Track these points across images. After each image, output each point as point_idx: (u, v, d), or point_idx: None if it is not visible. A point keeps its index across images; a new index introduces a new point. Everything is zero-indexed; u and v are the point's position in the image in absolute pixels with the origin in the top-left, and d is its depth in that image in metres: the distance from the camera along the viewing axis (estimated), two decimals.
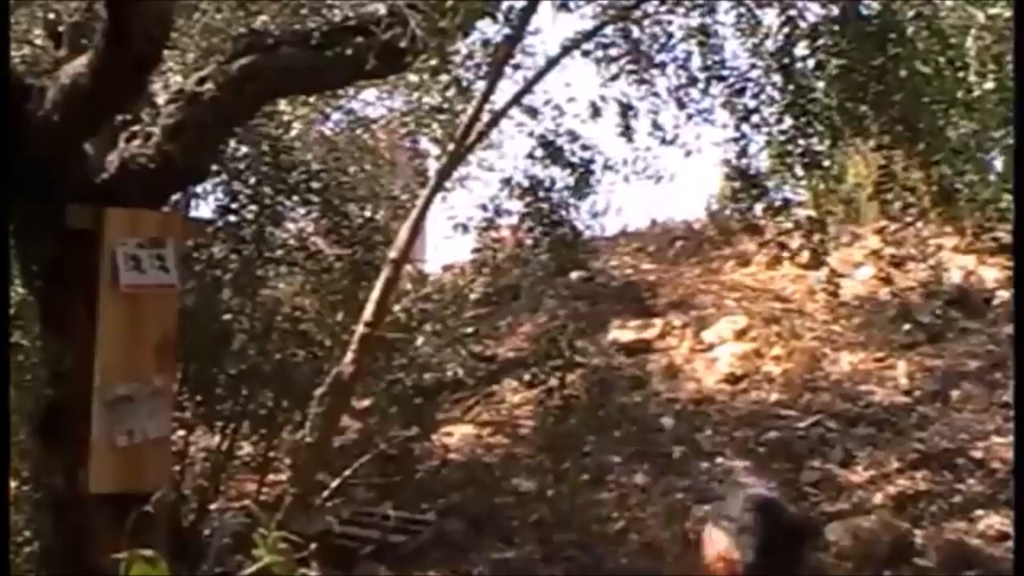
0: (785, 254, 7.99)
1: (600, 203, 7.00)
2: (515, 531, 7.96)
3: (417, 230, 6.09)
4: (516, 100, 6.30)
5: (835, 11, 5.95)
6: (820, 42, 6.01)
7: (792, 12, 6.09)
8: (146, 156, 4.57)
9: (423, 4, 4.42)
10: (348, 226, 7.18)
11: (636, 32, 6.41)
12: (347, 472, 7.96)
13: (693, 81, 6.41)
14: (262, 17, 5.14)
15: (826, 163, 6.53)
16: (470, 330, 8.57)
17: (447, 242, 7.85)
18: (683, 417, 8.78)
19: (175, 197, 5.74)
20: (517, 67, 6.32)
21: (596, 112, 6.42)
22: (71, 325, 4.51)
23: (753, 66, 6.35)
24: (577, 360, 7.84)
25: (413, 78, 6.32)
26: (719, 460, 8.23)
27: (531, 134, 6.67)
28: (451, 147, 6.04)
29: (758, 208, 6.84)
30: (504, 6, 5.82)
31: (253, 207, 7.00)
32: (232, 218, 6.98)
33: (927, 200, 6.45)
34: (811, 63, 6.13)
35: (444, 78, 5.97)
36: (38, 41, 5.28)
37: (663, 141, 6.53)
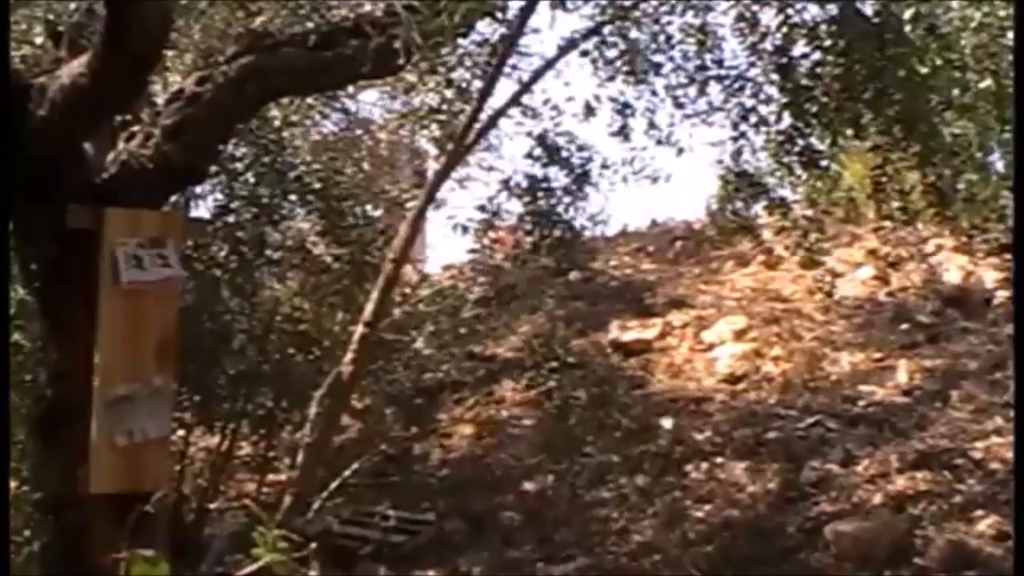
0: (777, 254, 7.99)
1: (599, 203, 7.00)
2: (515, 531, 7.97)
3: (416, 230, 6.09)
4: (515, 100, 6.29)
5: (833, 10, 5.96)
6: (818, 42, 6.02)
7: (790, 11, 6.10)
8: (146, 156, 4.57)
9: (419, 4, 4.42)
10: (347, 226, 7.19)
11: (634, 32, 6.42)
12: (347, 472, 7.97)
13: (691, 80, 6.42)
14: (262, 17, 5.14)
15: (824, 163, 6.54)
16: (474, 329, 8.58)
17: (446, 242, 7.87)
18: (683, 417, 8.78)
19: (175, 197, 5.74)
20: (515, 67, 6.32)
21: (590, 111, 6.42)
22: (71, 325, 4.51)
23: (752, 65, 6.36)
24: (576, 360, 7.85)
25: (411, 78, 6.32)
26: (719, 460, 8.24)
27: (529, 134, 6.67)
28: (450, 147, 6.04)
29: (756, 208, 6.85)
30: (502, 5, 5.81)
31: (252, 208, 7.01)
32: (231, 218, 6.98)
33: (924, 200, 6.45)
34: (809, 62, 6.14)
35: (440, 78, 5.97)
36: (38, 41, 5.27)
37: (659, 142, 6.54)
